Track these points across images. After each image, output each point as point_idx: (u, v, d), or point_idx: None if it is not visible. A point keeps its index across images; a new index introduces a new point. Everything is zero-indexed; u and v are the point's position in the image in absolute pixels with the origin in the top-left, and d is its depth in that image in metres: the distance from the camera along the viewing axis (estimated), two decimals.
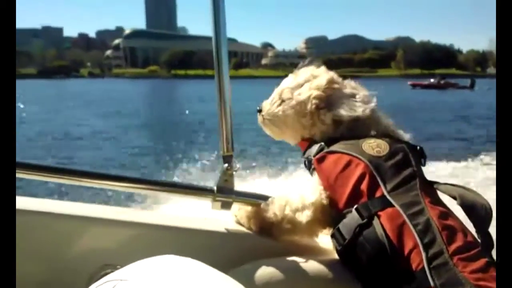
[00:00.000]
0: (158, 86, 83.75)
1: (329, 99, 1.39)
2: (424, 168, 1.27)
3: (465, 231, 1.11)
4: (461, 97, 38.32)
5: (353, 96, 1.39)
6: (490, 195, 1.16)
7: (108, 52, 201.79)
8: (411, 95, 44.45)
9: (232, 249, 1.38)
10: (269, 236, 1.38)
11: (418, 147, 1.30)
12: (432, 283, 1.01)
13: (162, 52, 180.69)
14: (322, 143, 1.35)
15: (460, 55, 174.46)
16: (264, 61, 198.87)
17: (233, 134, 1.44)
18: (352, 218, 1.17)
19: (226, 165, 1.42)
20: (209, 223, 1.44)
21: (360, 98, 1.38)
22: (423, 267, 1.03)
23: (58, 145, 14.23)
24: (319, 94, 1.39)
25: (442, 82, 57.12)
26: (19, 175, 1.22)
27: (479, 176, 8.18)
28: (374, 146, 1.26)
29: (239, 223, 1.46)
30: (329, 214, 1.27)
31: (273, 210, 1.35)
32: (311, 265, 1.29)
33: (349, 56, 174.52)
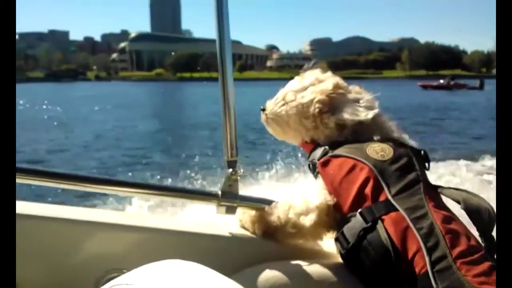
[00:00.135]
0: (168, 88, 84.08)
1: (332, 104, 1.40)
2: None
3: (468, 235, 1.12)
4: (475, 97, 37.84)
5: (357, 101, 1.40)
6: None
7: (114, 55, 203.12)
8: (424, 96, 44.16)
9: (237, 253, 1.39)
10: (273, 240, 1.39)
11: (422, 152, 1.31)
12: (435, 287, 1.01)
13: (168, 55, 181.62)
14: (326, 147, 1.35)
15: (465, 56, 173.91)
16: (269, 63, 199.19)
17: (237, 139, 1.45)
18: (356, 222, 1.17)
19: (230, 170, 1.43)
20: (214, 228, 1.45)
21: (364, 103, 1.39)
22: (427, 271, 1.04)
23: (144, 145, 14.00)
24: (322, 98, 1.40)
25: (452, 83, 57.01)
26: (19, 180, 1.23)
27: None
28: (379, 150, 1.26)
29: (243, 227, 1.47)
30: (333, 217, 1.28)
31: (277, 214, 1.36)
32: (315, 269, 1.29)
33: (354, 58, 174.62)
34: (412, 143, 1.37)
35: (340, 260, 1.29)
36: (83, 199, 6.27)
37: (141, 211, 5.09)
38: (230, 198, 1.43)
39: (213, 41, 1.42)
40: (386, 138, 1.34)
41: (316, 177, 1.37)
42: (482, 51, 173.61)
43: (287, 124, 1.49)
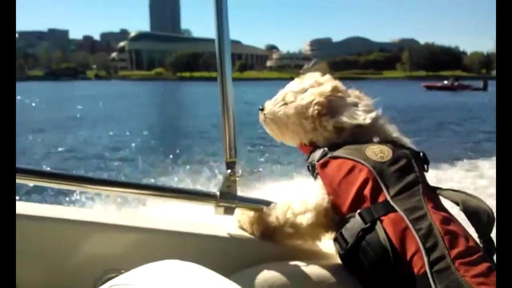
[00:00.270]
0: (169, 88, 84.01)
1: (331, 106, 1.40)
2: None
3: (467, 236, 1.12)
4: (480, 98, 37.60)
5: (355, 105, 1.40)
6: None
7: (114, 54, 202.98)
8: (429, 96, 44.18)
9: (235, 254, 1.39)
10: (271, 241, 1.39)
11: (421, 153, 1.31)
12: (434, 287, 1.02)
13: (167, 54, 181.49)
14: (326, 149, 1.36)
15: (465, 57, 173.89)
16: (269, 63, 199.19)
17: (236, 140, 1.45)
18: (355, 222, 1.18)
19: (229, 171, 1.43)
20: (212, 228, 1.45)
21: (362, 107, 1.39)
22: (425, 271, 1.04)
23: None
24: (321, 101, 1.41)
25: (456, 84, 57.19)
26: (19, 180, 1.23)
27: None
28: (378, 151, 1.26)
29: (242, 228, 1.47)
30: (332, 218, 1.28)
31: (276, 215, 1.36)
32: (313, 270, 1.29)
33: (354, 58, 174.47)
34: (411, 144, 1.38)
35: (338, 260, 1.30)
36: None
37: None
38: (228, 199, 1.43)
39: (213, 40, 1.41)
40: (385, 140, 1.34)
41: (315, 178, 1.37)
42: (482, 52, 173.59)
43: (285, 125, 1.49)
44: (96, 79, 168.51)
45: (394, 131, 1.40)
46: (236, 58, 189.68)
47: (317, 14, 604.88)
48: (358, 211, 1.19)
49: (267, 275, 1.25)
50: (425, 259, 1.05)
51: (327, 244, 1.39)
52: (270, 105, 1.53)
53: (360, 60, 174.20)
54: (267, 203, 1.43)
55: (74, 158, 11.83)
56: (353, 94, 1.46)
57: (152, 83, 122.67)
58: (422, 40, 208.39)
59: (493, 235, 1.11)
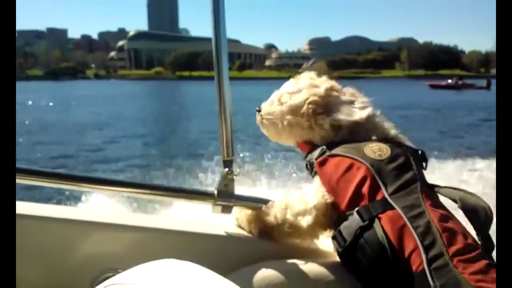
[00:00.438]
0: (170, 87, 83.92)
1: (327, 105, 1.41)
2: None
3: (465, 233, 1.12)
4: (485, 96, 37.58)
5: (351, 102, 1.41)
6: None
7: (112, 53, 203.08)
8: (436, 95, 44.31)
9: (233, 252, 1.39)
10: (269, 239, 1.39)
11: (419, 151, 1.32)
12: (432, 285, 1.01)
13: (166, 53, 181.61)
14: (324, 147, 1.36)
15: (464, 56, 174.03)
16: (268, 63, 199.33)
17: (233, 139, 1.45)
18: (353, 220, 1.18)
19: (226, 169, 1.43)
20: (210, 227, 1.45)
21: (358, 104, 1.40)
22: (423, 269, 1.04)
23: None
24: (316, 99, 1.41)
25: (460, 82, 57.78)
26: (19, 180, 1.23)
27: None
28: (376, 149, 1.27)
29: (240, 226, 1.47)
30: (330, 216, 1.28)
31: (274, 213, 1.36)
32: (311, 268, 1.29)
33: (353, 57, 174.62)
34: (409, 142, 1.38)
35: (337, 258, 1.30)
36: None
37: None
38: (226, 198, 1.42)
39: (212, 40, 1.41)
40: (383, 138, 1.35)
41: (313, 176, 1.37)
42: (480, 51, 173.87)
43: (281, 125, 1.49)
44: (95, 78, 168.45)
45: (392, 129, 1.40)
46: (235, 57, 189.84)
47: (315, 13, 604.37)
48: (356, 209, 1.19)
49: (265, 273, 1.25)
50: (423, 256, 1.05)
51: (325, 242, 1.39)
52: (267, 106, 1.54)
53: (359, 59, 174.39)
54: (265, 202, 1.43)
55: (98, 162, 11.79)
56: (348, 92, 1.46)
57: (152, 82, 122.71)
58: (420, 39, 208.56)
59: (492, 232, 1.11)
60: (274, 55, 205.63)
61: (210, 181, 6.79)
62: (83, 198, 5.79)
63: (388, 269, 1.10)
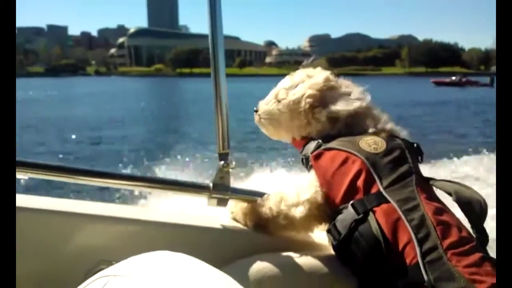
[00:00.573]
0: (172, 84, 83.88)
1: (323, 98, 1.41)
2: None
3: (460, 226, 1.12)
4: (490, 93, 38.37)
5: (347, 94, 1.41)
6: None
7: (113, 50, 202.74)
8: (442, 92, 44.53)
9: (228, 245, 1.39)
10: (265, 232, 1.40)
11: (415, 144, 1.32)
12: (425, 278, 1.01)
13: (167, 50, 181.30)
14: (320, 140, 1.36)
15: (464, 53, 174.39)
16: (268, 60, 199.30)
17: (229, 132, 1.46)
18: (348, 213, 1.18)
19: (222, 162, 1.43)
20: (205, 220, 1.45)
21: (355, 96, 1.40)
22: (417, 262, 1.04)
23: None
24: (313, 93, 1.41)
25: (463, 80, 58.52)
26: (19, 174, 1.24)
27: None
28: (371, 143, 1.27)
29: (235, 219, 1.47)
30: (324, 210, 1.28)
31: (269, 206, 1.36)
32: (306, 261, 1.30)
33: (353, 54, 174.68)
34: (405, 134, 1.38)
35: (331, 251, 1.29)
36: None
37: None
38: (221, 190, 1.42)
39: None
40: (379, 131, 1.34)
41: (309, 170, 1.36)
42: (480, 49, 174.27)
43: (279, 122, 1.50)
44: (96, 75, 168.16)
45: (388, 122, 1.39)
46: (235, 54, 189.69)
47: (315, 10, 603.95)
48: (351, 202, 1.19)
49: (260, 266, 1.25)
50: (417, 249, 1.05)
51: (320, 235, 1.39)
52: (264, 106, 1.54)
53: (359, 56, 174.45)
54: (261, 194, 1.43)
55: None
56: (343, 84, 1.46)
57: (153, 79, 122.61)
58: (420, 37, 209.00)
59: (486, 225, 1.14)
60: (274, 52, 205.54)
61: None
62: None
63: (382, 262, 1.10)
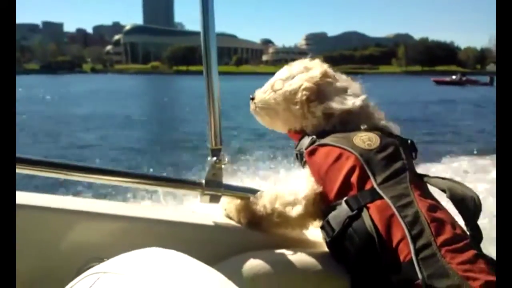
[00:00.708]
0: (169, 81, 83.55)
1: (320, 92, 1.39)
2: None
3: (454, 223, 1.11)
4: (491, 92, 38.55)
5: (344, 90, 1.40)
6: None
7: (108, 47, 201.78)
8: (445, 91, 44.76)
9: (221, 242, 1.38)
10: (258, 230, 1.38)
11: (409, 141, 1.31)
12: (419, 274, 1.01)
13: (163, 48, 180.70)
14: (314, 136, 1.35)
15: (460, 52, 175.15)
16: (265, 58, 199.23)
17: (221, 127, 1.44)
18: (342, 210, 1.17)
19: (214, 158, 1.42)
20: (197, 217, 1.43)
21: (352, 92, 1.39)
22: (411, 259, 1.03)
23: None
24: (310, 86, 1.40)
25: (464, 79, 59.01)
26: (19, 170, 1.23)
27: None
28: (365, 139, 1.26)
29: (228, 216, 1.46)
30: (319, 206, 1.27)
31: (263, 203, 1.35)
32: (300, 258, 1.28)
33: (350, 53, 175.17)
34: (399, 131, 1.37)
35: (325, 248, 1.28)
36: None
37: None
38: (214, 187, 1.40)
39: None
40: (373, 127, 1.33)
41: (303, 166, 1.35)
42: (475, 48, 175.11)
43: (275, 112, 1.48)
44: (92, 72, 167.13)
45: (382, 118, 1.39)
46: (231, 52, 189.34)
47: (311, 8, 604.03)
48: (345, 198, 1.18)
49: (253, 263, 1.24)
50: (411, 246, 1.04)
51: (314, 232, 1.38)
52: (261, 94, 1.53)
53: (356, 55, 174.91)
54: (254, 192, 1.42)
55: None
56: (341, 79, 1.45)
57: (150, 77, 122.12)
58: (416, 36, 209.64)
59: (480, 222, 1.13)
60: (271, 50, 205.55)
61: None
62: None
63: (376, 259, 1.09)
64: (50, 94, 35.60)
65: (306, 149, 1.33)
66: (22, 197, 1.31)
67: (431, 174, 1.26)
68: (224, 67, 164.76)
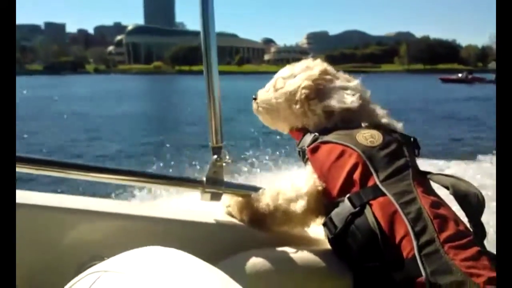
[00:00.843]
0: (172, 81, 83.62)
1: (320, 90, 1.40)
2: None
3: (457, 220, 1.11)
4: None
5: (344, 88, 1.40)
6: None
7: (111, 48, 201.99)
8: (452, 89, 44.83)
9: (222, 240, 1.38)
10: (260, 227, 1.38)
11: (412, 138, 1.31)
12: (422, 271, 1.00)
13: (165, 48, 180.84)
14: (316, 134, 1.35)
15: (462, 50, 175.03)
16: (266, 57, 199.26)
17: (222, 126, 1.44)
18: (344, 207, 1.17)
19: (215, 156, 1.42)
20: (198, 215, 1.43)
21: (352, 90, 1.39)
22: (414, 255, 1.03)
23: None
24: (309, 85, 1.40)
25: (470, 76, 59.17)
26: (19, 169, 1.23)
27: None
28: (368, 136, 1.26)
29: (230, 214, 1.46)
30: (321, 203, 1.27)
31: (266, 201, 1.35)
32: (302, 255, 1.28)
33: (351, 51, 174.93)
34: (401, 128, 1.37)
35: (328, 246, 1.28)
36: None
37: None
38: (215, 185, 1.41)
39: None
40: (376, 125, 1.33)
41: (305, 163, 1.36)
42: (476, 46, 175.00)
43: (277, 112, 1.49)
44: (95, 73, 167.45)
45: (384, 116, 1.39)
46: (233, 52, 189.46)
47: (312, 8, 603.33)
48: (348, 195, 1.18)
49: (255, 261, 1.23)
50: (414, 242, 1.04)
51: (316, 229, 1.38)
52: (263, 94, 1.53)
53: (357, 53, 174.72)
54: (255, 189, 1.42)
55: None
56: (342, 77, 1.45)
57: (153, 77, 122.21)
58: (417, 34, 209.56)
59: (483, 219, 1.13)
60: (272, 49, 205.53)
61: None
62: None
63: (379, 256, 1.09)
64: (57, 95, 35.99)
65: (308, 146, 1.33)
66: (22, 196, 1.31)
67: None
68: (226, 67, 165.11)
